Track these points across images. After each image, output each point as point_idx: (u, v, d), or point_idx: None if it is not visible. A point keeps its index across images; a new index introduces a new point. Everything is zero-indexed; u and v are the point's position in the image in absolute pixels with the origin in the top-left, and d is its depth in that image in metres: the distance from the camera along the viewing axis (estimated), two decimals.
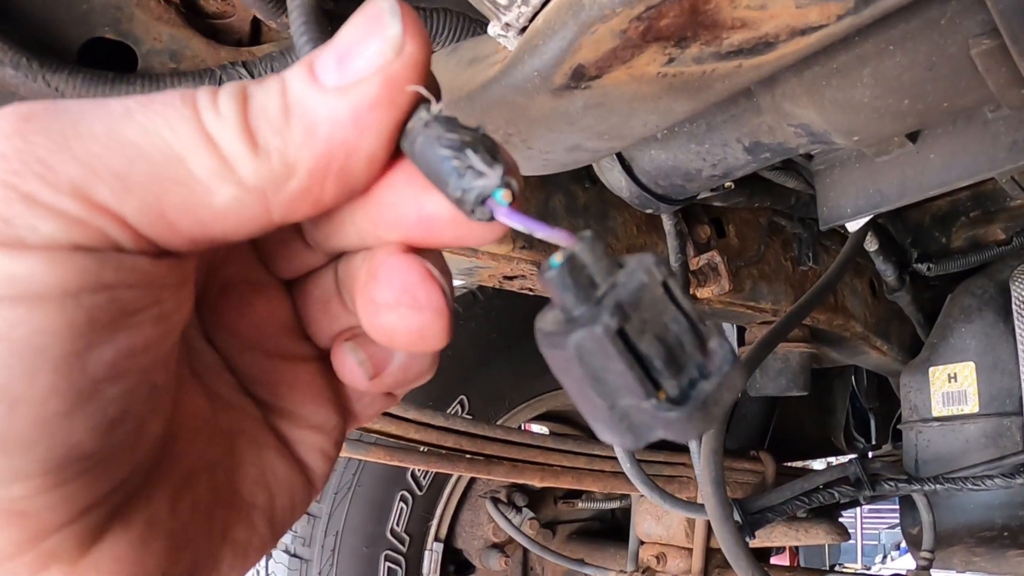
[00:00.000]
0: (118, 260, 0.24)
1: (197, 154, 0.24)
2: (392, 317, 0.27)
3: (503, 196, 0.25)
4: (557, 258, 0.25)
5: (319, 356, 0.34)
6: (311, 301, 0.33)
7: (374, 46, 0.25)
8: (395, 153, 0.27)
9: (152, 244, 0.25)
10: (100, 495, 0.25)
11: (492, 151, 0.25)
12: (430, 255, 0.29)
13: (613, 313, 0.24)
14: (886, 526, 8.55)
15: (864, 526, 8.66)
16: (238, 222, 0.25)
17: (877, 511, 8.70)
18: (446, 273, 0.29)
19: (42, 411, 0.23)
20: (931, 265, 1.67)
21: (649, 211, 1.08)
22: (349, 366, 0.32)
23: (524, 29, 0.64)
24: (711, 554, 1.76)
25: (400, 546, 1.88)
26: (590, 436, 2.14)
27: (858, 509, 8.21)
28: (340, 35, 0.26)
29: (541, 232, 0.25)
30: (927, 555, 1.44)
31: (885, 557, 7.79)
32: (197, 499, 0.29)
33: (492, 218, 0.25)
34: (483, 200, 0.25)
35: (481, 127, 0.26)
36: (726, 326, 2.01)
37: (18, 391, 0.22)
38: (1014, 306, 1.50)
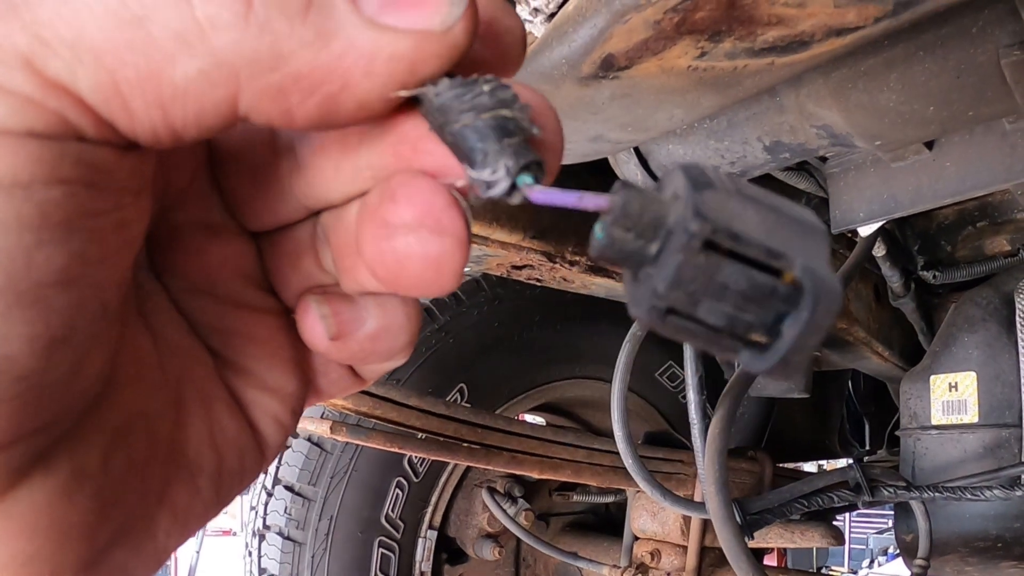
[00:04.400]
0: (78, 151, 0.21)
1: (161, 13, 0.21)
2: (409, 240, 0.24)
3: (530, 181, 0.23)
4: (599, 229, 0.23)
5: (282, 312, 0.32)
6: (280, 255, 0.31)
7: (426, 11, 0.23)
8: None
9: (114, 131, 0.22)
10: (26, 431, 0.22)
11: (514, 128, 0.23)
12: None
13: (654, 304, 0.22)
14: (875, 531, 8.59)
15: (852, 530, 8.70)
16: (200, 106, 0.22)
17: (866, 516, 8.74)
18: None
19: None
20: (937, 273, 1.67)
21: None
22: (311, 320, 0.29)
23: (553, 15, 0.63)
24: (705, 552, 1.77)
25: (394, 532, 1.88)
26: (588, 429, 2.14)
27: (847, 513, 8.25)
28: None
29: (575, 203, 0.23)
30: (922, 563, 1.44)
31: (872, 562, 7.83)
32: (133, 453, 0.26)
33: (526, 199, 0.23)
34: (509, 192, 0.23)
35: (496, 79, 0.24)
36: None
37: None
38: (1017, 319, 1.50)
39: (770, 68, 0.61)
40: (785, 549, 4.93)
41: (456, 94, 0.23)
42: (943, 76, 0.76)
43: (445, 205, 0.24)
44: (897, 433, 1.63)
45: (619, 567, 1.83)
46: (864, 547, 8.47)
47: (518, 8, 0.66)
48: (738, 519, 1.20)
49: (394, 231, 0.25)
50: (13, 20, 0.20)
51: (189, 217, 0.29)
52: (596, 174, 1.20)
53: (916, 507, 1.46)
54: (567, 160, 0.82)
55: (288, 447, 1.85)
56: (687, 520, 1.77)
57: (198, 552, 8.71)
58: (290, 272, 0.31)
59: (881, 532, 8.34)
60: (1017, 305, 1.51)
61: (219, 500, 0.30)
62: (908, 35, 0.75)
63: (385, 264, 0.25)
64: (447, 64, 0.24)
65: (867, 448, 2.58)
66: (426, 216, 0.24)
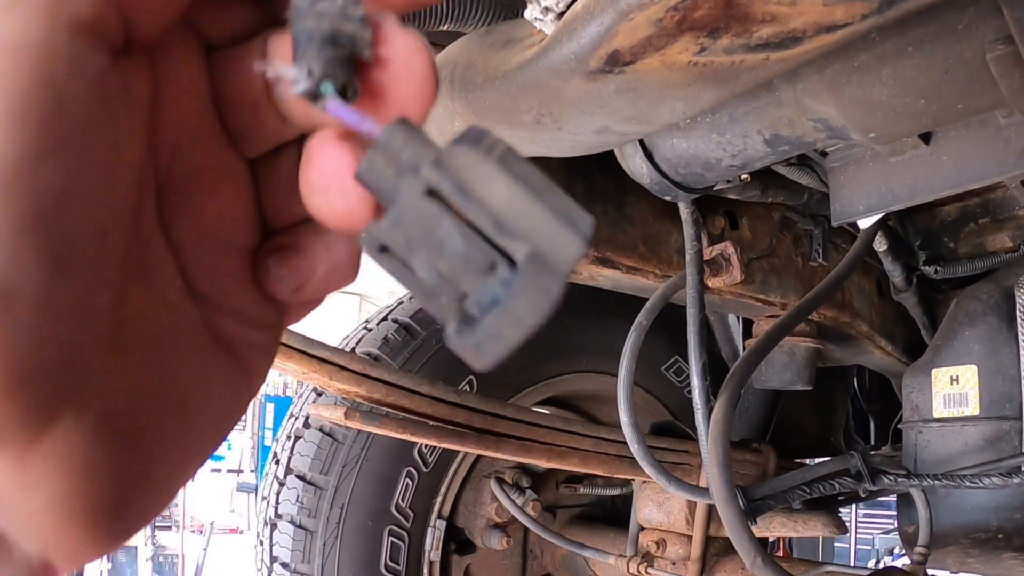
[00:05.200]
0: (73, 58, 0.22)
1: None
2: (321, 199, 0.28)
3: (331, 91, 0.25)
4: (366, 156, 0.25)
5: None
6: (276, 179, 0.33)
7: None
8: None
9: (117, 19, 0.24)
10: (49, 364, 0.23)
11: (345, 42, 0.24)
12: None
13: (371, 234, 0.23)
14: (880, 531, 8.59)
15: (858, 531, 8.70)
16: None
17: (872, 515, 8.75)
18: None
19: None
20: (939, 268, 1.69)
21: (667, 198, 1.11)
22: (272, 281, 0.32)
23: (562, 14, 0.67)
24: (710, 541, 1.80)
25: (404, 522, 1.90)
26: (595, 420, 2.17)
27: (853, 513, 8.25)
28: None
29: (355, 123, 0.25)
30: (922, 551, 1.46)
31: (878, 562, 7.82)
32: (148, 399, 0.28)
33: (324, 108, 0.25)
34: (312, 98, 0.25)
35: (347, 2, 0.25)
36: (731, 319, 2.04)
37: None
38: (1018, 313, 1.51)
39: (765, 63, 0.65)
40: (790, 544, 4.95)
41: None
42: (932, 71, 0.79)
43: (348, 168, 0.27)
44: (900, 426, 1.65)
45: (625, 556, 1.86)
46: (870, 547, 8.47)
47: (529, 8, 0.70)
48: (741, 504, 1.23)
49: (311, 190, 0.28)
50: None
51: (204, 157, 0.31)
52: (602, 166, 1.24)
53: (917, 496, 1.48)
54: (574, 152, 0.86)
55: (300, 437, 1.89)
56: (692, 510, 1.80)
57: (205, 550, 8.75)
58: (287, 195, 0.32)
59: (887, 532, 8.34)
60: (1018, 300, 1.52)
61: (218, 437, 0.32)
62: (897, 31, 0.79)
63: (313, 214, 0.29)
64: None
65: (872, 444, 2.59)
66: (330, 180, 0.27)
